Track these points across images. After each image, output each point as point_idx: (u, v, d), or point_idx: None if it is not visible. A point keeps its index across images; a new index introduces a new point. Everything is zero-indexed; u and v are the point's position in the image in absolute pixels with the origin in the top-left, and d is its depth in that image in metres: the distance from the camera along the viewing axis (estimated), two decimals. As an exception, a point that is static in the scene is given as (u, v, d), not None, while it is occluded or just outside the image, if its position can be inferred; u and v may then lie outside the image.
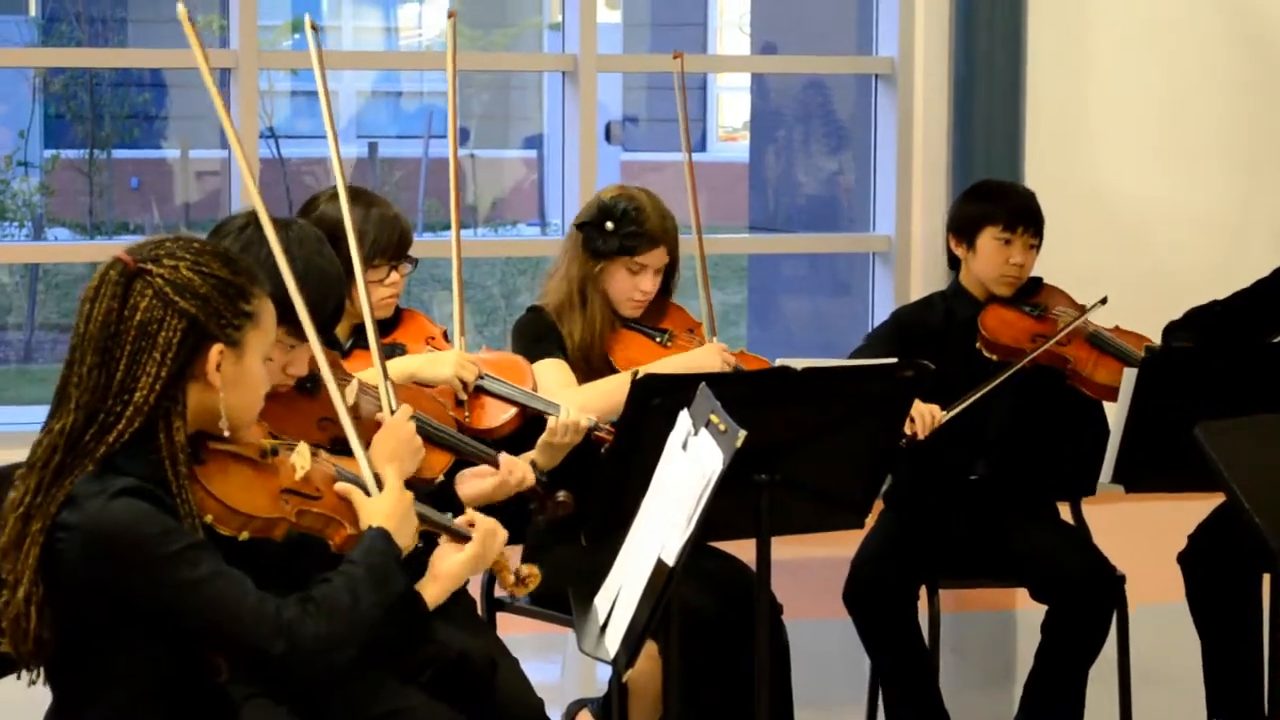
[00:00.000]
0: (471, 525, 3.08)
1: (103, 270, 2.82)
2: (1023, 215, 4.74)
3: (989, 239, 4.73)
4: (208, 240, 2.92)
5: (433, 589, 3.00)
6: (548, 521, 3.87)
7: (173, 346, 2.79)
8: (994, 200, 4.79)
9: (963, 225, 4.79)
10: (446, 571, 3.02)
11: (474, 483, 3.70)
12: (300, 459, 2.93)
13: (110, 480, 2.74)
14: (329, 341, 3.79)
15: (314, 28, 3.62)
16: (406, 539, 2.97)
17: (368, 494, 2.98)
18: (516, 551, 4.39)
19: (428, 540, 3.10)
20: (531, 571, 3.22)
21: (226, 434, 2.85)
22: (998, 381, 4.57)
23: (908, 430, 4.40)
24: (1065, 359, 4.67)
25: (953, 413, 4.48)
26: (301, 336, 3.20)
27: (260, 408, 2.93)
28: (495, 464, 3.70)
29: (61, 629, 2.78)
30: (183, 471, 2.78)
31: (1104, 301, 4.73)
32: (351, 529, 2.96)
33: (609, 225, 4.31)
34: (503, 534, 3.11)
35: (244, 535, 2.85)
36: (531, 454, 3.85)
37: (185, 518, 2.77)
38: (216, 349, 2.82)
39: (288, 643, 2.76)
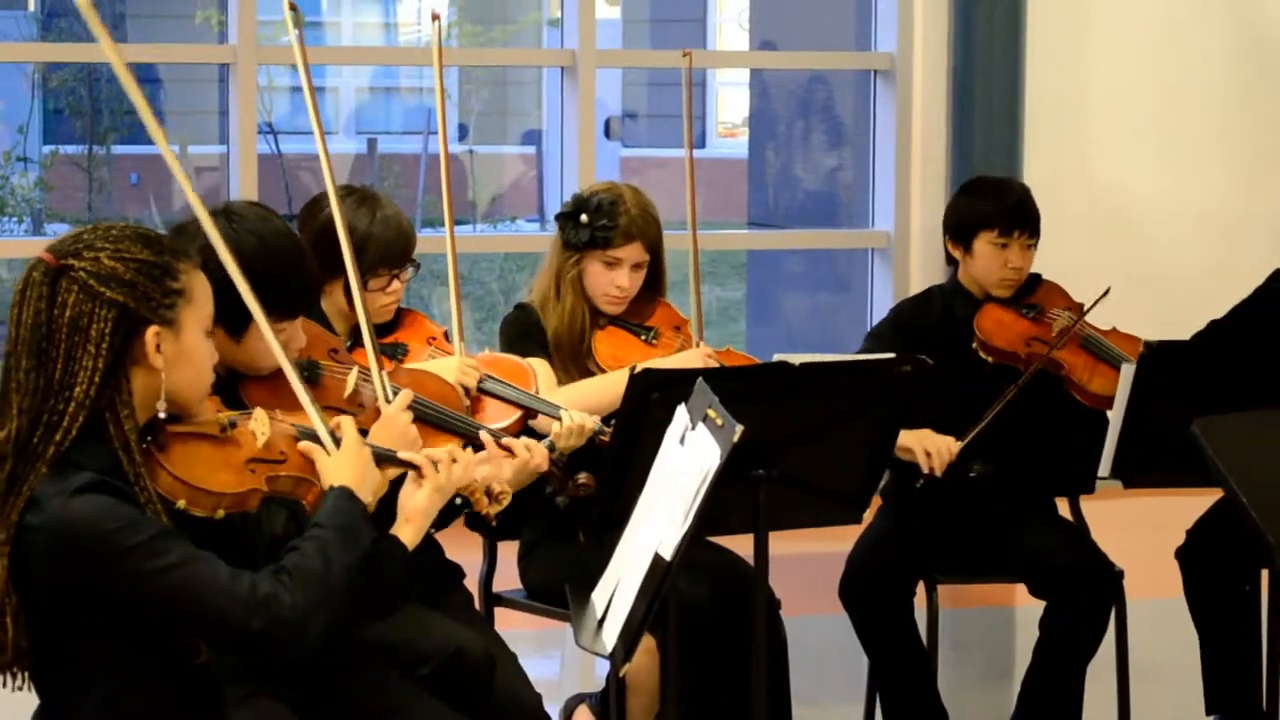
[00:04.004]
0: (430, 458, 3.04)
1: (26, 272, 2.81)
2: (1018, 218, 4.66)
3: (985, 244, 4.67)
4: (127, 224, 2.91)
5: (407, 531, 2.97)
6: (568, 502, 3.85)
7: (106, 337, 2.78)
8: (988, 202, 4.70)
9: (957, 229, 4.73)
10: (415, 508, 2.99)
11: (485, 467, 3.66)
12: (259, 425, 2.92)
13: (69, 478, 2.73)
14: (326, 326, 3.82)
15: (292, 7, 3.67)
16: (370, 491, 2.95)
17: (328, 452, 2.97)
18: (511, 549, 4.40)
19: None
20: (504, 489, 3.21)
21: (162, 415, 2.83)
22: (1006, 400, 4.49)
23: (924, 468, 4.40)
24: (1059, 364, 4.61)
25: (966, 441, 4.45)
26: (284, 318, 3.30)
27: (209, 382, 2.92)
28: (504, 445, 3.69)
29: (37, 631, 2.78)
30: (138, 460, 2.78)
31: (1106, 293, 4.62)
32: (321, 487, 2.96)
33: (583, 218, 4.31)
34: (463, 457, 3.08)
35: (219, 514, 2.85)
36: (550, 437, 3.83)
37: (146, 505, 2.76)
38: (152, 331, 2.82)
39: (265, 618, 2.75)
